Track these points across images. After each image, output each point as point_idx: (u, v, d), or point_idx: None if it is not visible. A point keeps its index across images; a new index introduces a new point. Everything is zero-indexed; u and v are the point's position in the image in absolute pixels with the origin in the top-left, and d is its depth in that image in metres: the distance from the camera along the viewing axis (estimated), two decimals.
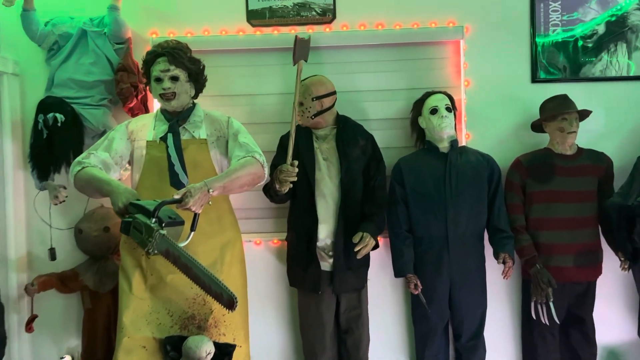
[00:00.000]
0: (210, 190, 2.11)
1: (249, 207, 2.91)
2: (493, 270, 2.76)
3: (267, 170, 2.34)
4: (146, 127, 2.43)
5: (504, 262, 2.63)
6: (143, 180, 2.37)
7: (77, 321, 2.97)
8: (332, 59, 2.93)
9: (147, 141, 2.38)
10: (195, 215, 2.09)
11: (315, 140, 2.70)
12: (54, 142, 2.67)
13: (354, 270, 2.64)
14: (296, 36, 2.65)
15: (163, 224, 1.94)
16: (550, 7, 2.92)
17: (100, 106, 2.86)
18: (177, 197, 2.04)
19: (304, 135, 2.69)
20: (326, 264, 2.64)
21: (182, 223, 2.01)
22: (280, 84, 2.94)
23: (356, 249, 2.50)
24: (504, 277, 2.67)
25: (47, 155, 2.69)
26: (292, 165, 2.43)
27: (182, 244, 2.02)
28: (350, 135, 2.68)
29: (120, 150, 2.38)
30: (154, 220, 1.93)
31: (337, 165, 2.64)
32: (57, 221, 2.97)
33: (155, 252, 1.93)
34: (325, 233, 2.62)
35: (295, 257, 2.71)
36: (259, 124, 2.91)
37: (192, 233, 2.08)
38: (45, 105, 2.70)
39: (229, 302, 1.89)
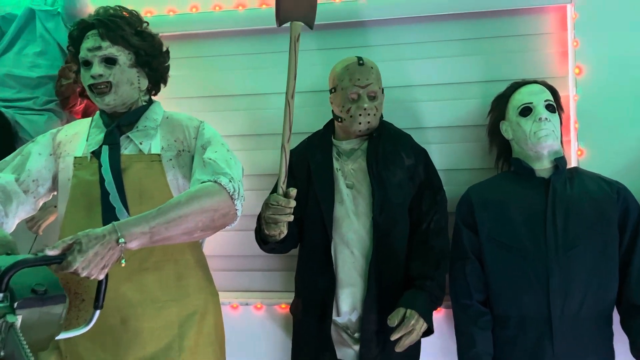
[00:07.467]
0: (122, 241, 1.38)
1: (244, 254, 2.32)
2: None
3: (239, 204, 1.61)
4: (78, 137, 1.78)
5: None
6: (67, 217, 1.72)
7: None
8: (370, 39, 2.36)
9: (75, 157, 1.73)
10: (100, 284, 1.37)
11: (337, 157, 1.96)
12: None
13: None
14: None
15: (15, 305, 1.17)
16: None
17: (45, 111, 2.28)
18: (50, 252, 1.32)
19: (319, 149, 1.97)
20: (349, 352, 1.88)
21: (59, 300, 1.24)
22: (299, 79, 2.36)
23: (394, 337, 1.72)
24: None
25: None
26: (286, 195, 1.69)
27: (75, 332, 1.36)
28: (389, 149, 1.92)
29: (36, 172, 1.74)
30: (1, 295, 1.18)
31: (368, 196, 1.90)
32: None
33: (2, 353, 1.17)
34: (348, 303, 1.88)
35: (302, 337, 1.97)
36: (267, 135, 2.38)
37: (97, 312, 1.39)
38: None
39: None
